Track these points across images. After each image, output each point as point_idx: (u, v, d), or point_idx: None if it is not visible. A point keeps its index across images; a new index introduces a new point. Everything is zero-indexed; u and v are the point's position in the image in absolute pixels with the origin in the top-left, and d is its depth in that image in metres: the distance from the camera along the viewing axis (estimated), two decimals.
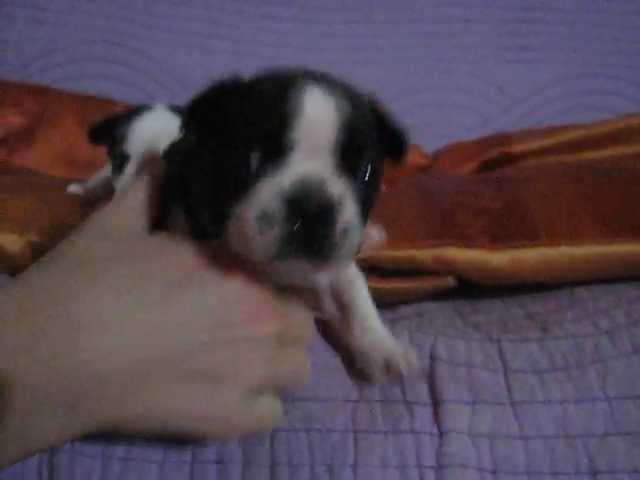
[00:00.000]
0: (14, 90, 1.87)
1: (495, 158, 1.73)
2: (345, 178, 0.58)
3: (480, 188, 1.03)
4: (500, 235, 0.92)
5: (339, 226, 0.55)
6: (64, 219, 1.03)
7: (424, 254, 0.90)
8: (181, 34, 2.03)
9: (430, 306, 0.96)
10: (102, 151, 1.73)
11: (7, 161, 1.75)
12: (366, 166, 0.62)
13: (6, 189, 1.11)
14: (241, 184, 0.56)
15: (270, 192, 0.54)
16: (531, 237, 0.91)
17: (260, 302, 0.59)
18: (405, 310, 0.95)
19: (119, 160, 1.04)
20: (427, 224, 0.94)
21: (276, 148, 0.56)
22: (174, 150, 0.73)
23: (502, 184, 1.03)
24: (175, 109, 1.11)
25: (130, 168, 1.04)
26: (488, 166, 1.73)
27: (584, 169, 1.09)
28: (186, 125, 0.66)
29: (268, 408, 0.62)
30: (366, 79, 1.87)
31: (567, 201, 0.95)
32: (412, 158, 1.82)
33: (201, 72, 1.96)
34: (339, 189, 0.56)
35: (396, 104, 1.93)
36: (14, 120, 1.82)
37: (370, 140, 0.64)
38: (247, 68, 1.84)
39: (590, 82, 1.95)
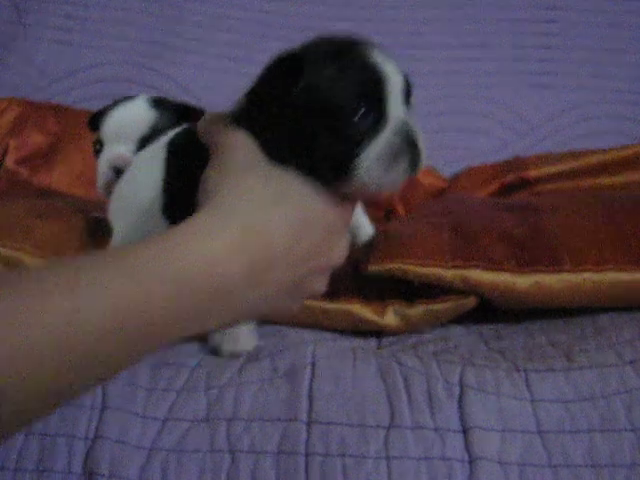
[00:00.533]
0: (37, 110, 1.89)
1: (512, 182, 1.74)
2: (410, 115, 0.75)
3: (504, 214, 1.04)
4: (525, 259, 0.92)
5: (423, 149, 0.73)
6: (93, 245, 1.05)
7: (451, 274, 0.91)
8: (205, 56, 2.05)
9: (454, 330, 0.97)
10: None
11: (29, 180, 1.77)
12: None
13: (35, 213, 1.13)
14: (359, 133, 0.68)
15: (391, 134, 0.70)
16: (555, 262, 0.92)
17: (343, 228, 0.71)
18: (430, 335, 0.96)
19: (96, 146, 1.19)
20: (454, 246, 0.95)
21: (377, 103, 0.70)
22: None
23: (526, 212, 1.04)
24: (157, 101, 1.17)
25: (104, 155, 1.09)
26: (505, 190, 1.75)
27: (608, 198, 1.09)
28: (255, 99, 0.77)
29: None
30: None
31: (592, 229, 0.96)
32: (429, 181, 1.84)
33: (224, 95, 1.94)
34: (414, 124, 0.74)
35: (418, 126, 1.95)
36: (36, 139, 1.84)
37: None
38: None
39: (607, 108, 1.95)
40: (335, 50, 0.73)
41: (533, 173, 1.72)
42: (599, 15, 2.03)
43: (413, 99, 0.80)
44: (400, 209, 1.79)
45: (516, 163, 1.78)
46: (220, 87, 1.99)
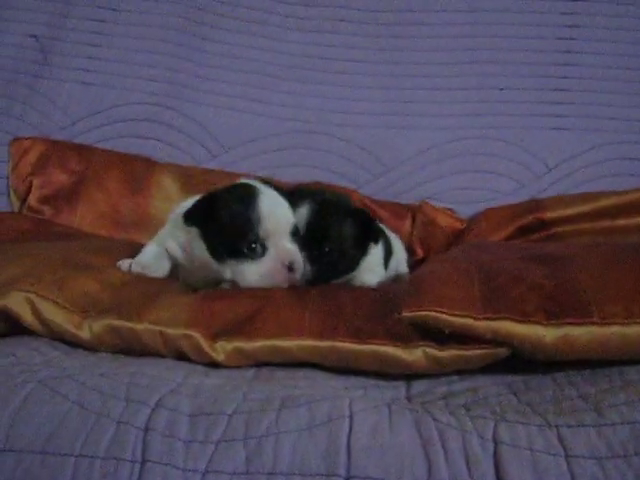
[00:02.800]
0: (60, 149, 1.93)
1: (529, 224, 1.77)
2: (306, 251, 1.25)
3: (532, 265, 1.05)
4: (554, 311, 0.93)
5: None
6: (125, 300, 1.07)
7: (481, 325, 0.93)
8: (224, 96, 2.09)
9: (482, 380, 0.98)
10: (143, 211, 1.80)
11: (52, 220, 1.80)
12: (320, 248, 1.29)
13: (71, 264, 1.15)
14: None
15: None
16: (583, 315, 0.93)
17: None
18: (459, 385, 0.97)
19: (250, 246, 1.22)
20: (484, 297, 0.97)
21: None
22: None
23: (553, 262, 1.05)
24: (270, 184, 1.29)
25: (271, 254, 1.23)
26: (523, 232, 1.76)
27: (632, 249, 1.11)
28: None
29: None
30: (405, 143, 1.96)
31: (619, 281, 0.97)
32: (448, 222, 1.86)
33: (242, 134, 2.03)
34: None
35: (435, 168, 1.98)
36: (59, 178, 1.87)
37: (329, 235, 1.31)
38: (288, 131, 1.92)
39: (623, 149, 1.98)
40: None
41: (550, 215, 1.75)
42: (616, 58, 2.06)
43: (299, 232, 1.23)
44: (419, 251, 1.81)
45: (533, 205, 1.81)
46: (238, 126, 2.06)
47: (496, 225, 1.79)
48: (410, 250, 1.80)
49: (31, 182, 1.86)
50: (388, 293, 1.11)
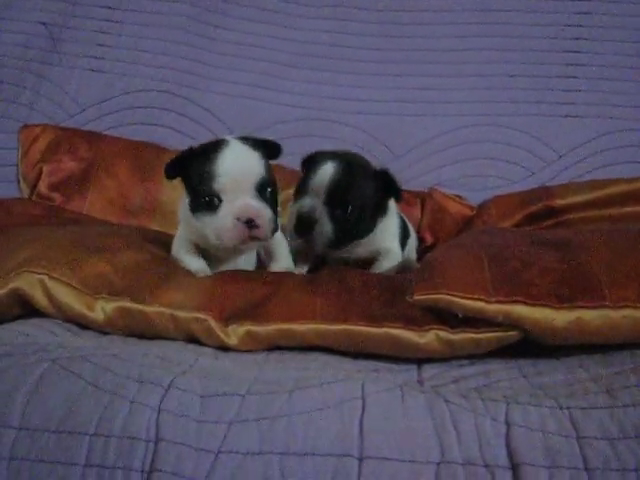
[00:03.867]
0: (69, 136, 1.93)
1: (539, 211, 1.76)
2: (328, 210, 1.31)
3: (542, 250, 1.05)
4: (565, 295, 0.94)
5: (316, 233, 1.30)
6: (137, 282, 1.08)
7: (493, 308, 0.93)
8: (235, 84, 2.10)
9: (494, 364, 0.98)
10: (153, 198, 1.80)
11: (63, 206, 1.80)
12: (344, 206, 1.31)
13: (83, 246, 1.16)
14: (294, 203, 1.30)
15: (294, 210, 1.30)
16: (595, 299, 0.93)
17: None
18: (470, 369, 0.97)
19: (205, 199, 1.20)
20: (495, 280, 0.97)
21: (304, 191, 1.33)
22: None
23: (563, 247, 1.05)
24: (248, 140, 1.23)
25: (225, 208, 1.19)
26: (532, 219, 1.76)
27: None
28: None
29: None
30: (414, 130, 1.96)
31: (631, 265, 0.97)
32: (457, 209, 1.86)
33: (253, 121, 2.03)
34: (322, 214, 1.31)
35: (444, 155, 1.99)
36: (69, 166, 1.87)
37: (357, 195, 1.31)
38: (297, 119, 1.92)
39: (632, 136, 1.98)
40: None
41: (559, 202, 1.74)
42: (625, 46, 2.06)
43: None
44: (428, 238, 1.81)
45: (542, 192, 1.81)
46: (248, 114, 2.06)
47: (505, 212, 1.79)
48: (419, 237, 1.80)
49: (41, 169, 1.86)
50: (398, 278, 1.11)
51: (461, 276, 0.98)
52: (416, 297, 0.96)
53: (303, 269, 1.40)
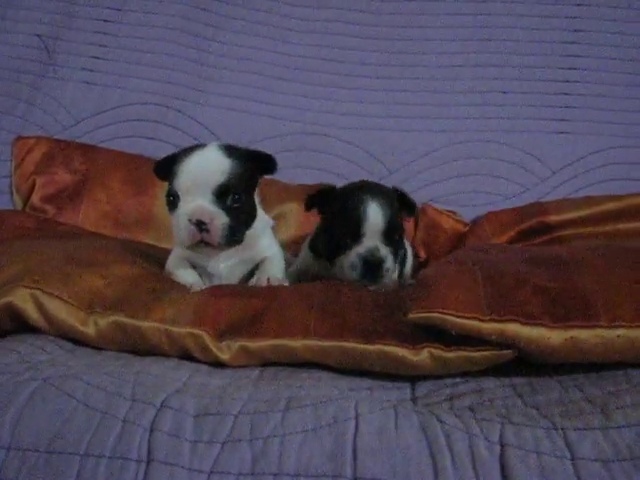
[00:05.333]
0: (63, 148, 1.93)
1: (532, 227, 1.77)
2: (387, 246, 1.32)
3: (536, 268, 1.05)
4: (559, 314, 0.93)
5: (384, 270, 1.30)
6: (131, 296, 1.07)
7: (488, 327, 0.93)
8: (229, 98, 2.09)
9: (487, 382, 0.97)
10: (147, 211, 1.80)
11: (55, 219, 1.79)
12: (397, 239, 1.35)
13: (75, 261, 1.15)
14: (343, 247, 1.32)
15: (354, 256, 1.30)
16: (590, 318, 0.93)
17: None
18: (463, 387, 0.96)
19: (170, 199, 1.24)
20: (489, 298, 0.97)
21: (356, 235, 1.31)
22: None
23: (557, 266, 1.05)
24: (228, 148, 1.24)
25: (181, 208, 1.20)
26: (526, 235, 1.76)
27: (637, 252, 1.10)
28: (307, 208, 1.42)
29: None
30: (409, 146, 1.96)
31: (625, 284, 0.97)
32: (450, 224, 1.87)
33: (247, 135, 2.02)
34: (385, 252, 1.31)
35: (438, 171, 1.99)
36: (63, 178, 1.87)
37: (398, 223, 1.35)
38: (291, 133, 1.92)
39: (626, 153, 1.98)
40: (347, 196, 1.34)
41: (553, 218, 1.75)
42: (618, 63, 2.07)
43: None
44: (422, 253, 1.81)
45: (536, 208, 1.82)
46: (242, 127, 2.05)
47: (499, 228, 1.80)
48: (414, 253, 1.80)
49: (34, 181, 1.87)
50: (392, 294, 1.11)
51: (455, 294, 0.97)
52: (410, 316, 0.96)
53: None
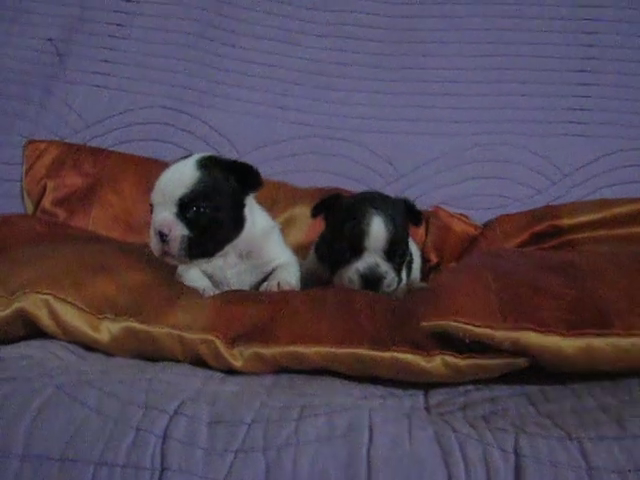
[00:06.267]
0: (74, 152, 1.93)
1: (544, 230, 1.76)
2: (389, 262, 1.30)
3: (550, 275, 1.04)
4: (574, 322, 0.92)
5: (384, 286, 1.29)
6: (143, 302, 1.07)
7: (501, 335, 0.92)
8: (238, 101, 2.09)
9: (500, 390, 0.97)
10: None
11: (66, 222, 1.79)
12: (401, 253, 1.34)
13: (88, 266, 1.15)
14: (344, 260, 1.31)
15: (353, 271, 1.30)
16: (605, 326, 0.92)
17: None
18: (476, 395, 0.96)
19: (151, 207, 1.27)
20: (502, 306, 0.96)
21: (357, 250, 1.30)
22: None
23: (571, 273, 1.04)
24: (205, 160, 1.24)
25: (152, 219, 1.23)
26: (538, 238, 1.75)
27: None
28: (313, 216, 1.41)
29: None
30: (420, 149, 1.95)
31: None
32: (462, 228, 1.85)
33: (258, 139, 2.03)
34: (385, 268, 1.30)
35: (449, 174, 1.98)
36: (73, 181, 1.87)
37: (402, 237, 1.34)
38: (303, 136, 1.91)
39: (638, 156, 1.97)
40: (350, 208, 1.33)
41: (565, 222, 1.74)
42: (633, 65, 2.05)
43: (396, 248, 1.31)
44: (433, 257, 1.80)
45: (548, 211, 1.80)
46: (254, 131, 2.05)
47: (511, 231, 1.78)
48: (423, 256, 1.79)
49: (45, 185, 1.87)
50: (404, 300, 1.11)
51: (468, 302, 0.97)
52: (423, 323, 0.96)
53: None
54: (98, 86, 2.09)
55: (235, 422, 0.81)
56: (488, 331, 0.92)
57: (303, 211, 1.79)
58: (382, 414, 0.83)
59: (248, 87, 2.10)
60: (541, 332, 0.92)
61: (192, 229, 1.19)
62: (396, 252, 1.32)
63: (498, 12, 2.11)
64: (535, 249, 1.73)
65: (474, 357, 0.94)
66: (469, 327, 0.92)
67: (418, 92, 2.07)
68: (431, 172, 1.99)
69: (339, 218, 1.35)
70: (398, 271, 1.34)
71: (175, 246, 1.18)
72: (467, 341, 0.93)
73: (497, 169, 1.99)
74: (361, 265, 1.29)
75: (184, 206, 1.19)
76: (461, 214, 1.88)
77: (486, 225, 1.87)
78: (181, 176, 1.21)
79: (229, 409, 0.84)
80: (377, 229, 1.29)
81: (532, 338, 0.91)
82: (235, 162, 1.27)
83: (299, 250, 1.61)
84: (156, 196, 1.21)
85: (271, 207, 1.38)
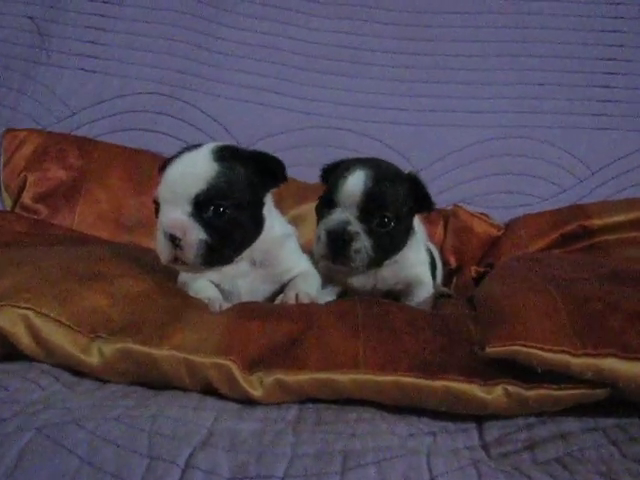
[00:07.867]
0: (58, 142, 1.79)
1: (573, 232, 1.64)
2: (363, 223, 1.14)
3: (619, 288, 0.90)
4: None
5: (352, 250, 1.13)
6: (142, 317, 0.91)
7: (581, 363, 0.78)
8: (238, 87, 1.98)
9: (569, 425, 0.82)
10: (150, 211, 1.64)
11: (49, 220, 1.65)
12: (386, 221, 1.15)
13: (75, 275, 0.99)
14: (320, 218, 1.20)
15: (321, 227, 1.16)
16: None
17: None
18: (542, 431, 0.81)
19: (155, 206, 1.09)
20: (579, 328, 0.82)
21: (330, 204, 1.17)
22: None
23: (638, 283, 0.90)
24: (223, 150, 1.08)
25: (159, 219, 1.06)
26: (566, 239, 1.64)
27: None
28: (322, 180, 1.30)
29: None
30: (437, 142, 1.83)
31: None
32: (483, 228, 1.74)
33: (258, 128, 1.93)
34: (357, 229, 1.13)
35: (468, 170, 1.90)
36: (57, 175, 1.74)
37: (387, 201, 1.15)
38: (307, 127, 1.79)
39: None
40: (339, 168, 1.20)
41: (596, 222, 1.63)
42: None
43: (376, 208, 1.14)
44: (452, 260, 1.68)
45: (576, 211, 1.69)
46: (254, 120, 1.95)
47: (537, 232, 1.67)
48: (442, 259, 1.67)
49: (26, 178, 1.73)
50: (451, 317, 0.95)
51: (538, 323, 0.83)
52: (489, 349, 0.80)
53: (332, 295, 1.26)
54: (84, 69, 1.99)
55: (264, 477, 0.65)
56: (566, 358, 0.78)
57: (311, 208, 1.66)
58: (444, 462, 0.70)
59: (248, 71, 2.00)
60: (627, 358, 0.78)
61: (210, 232, 1.02)
62: (374, 214, 1.13)
63: None
64: (563, 252, 1.60)
65: (543, 387, 0.81)
66: (543, 353, 0.78)
67: (435, 80, 1.98)
68: (449, 167, 1.91)
69: (332, 178, 1.21)
70: (377, 240, 1.15)
71: (191, 252, 1.01)
72: (539, 370, 0.78)
73: (520, 165, 1.91)
74: (330, 220, 1.14)
75: (200, 205, 1.02)
76: (482, 213, 1.77)
77: (509, 225, 1.76)
78: (195, 169, 1.03)
79: (254, 458, 0.68)
80: (353, 182, 1.14)
81: (617, 366, 0.78)
82: (256, 152, 1.11)
83: (307, 250, 1.48)
84: (164, 192, 1.03)
85: (278, 204, 1.24)
